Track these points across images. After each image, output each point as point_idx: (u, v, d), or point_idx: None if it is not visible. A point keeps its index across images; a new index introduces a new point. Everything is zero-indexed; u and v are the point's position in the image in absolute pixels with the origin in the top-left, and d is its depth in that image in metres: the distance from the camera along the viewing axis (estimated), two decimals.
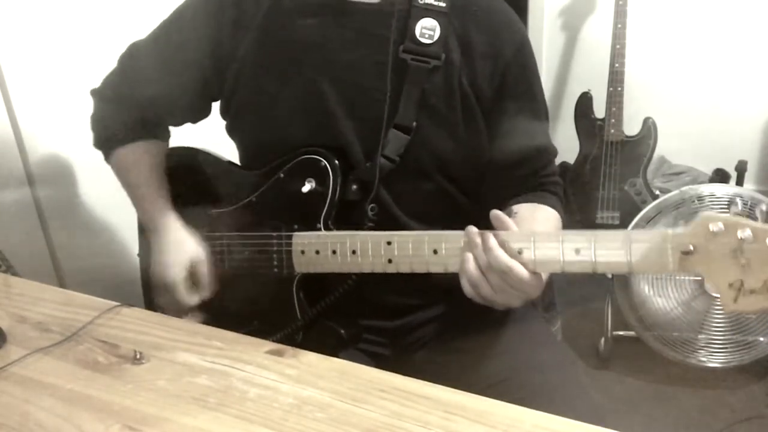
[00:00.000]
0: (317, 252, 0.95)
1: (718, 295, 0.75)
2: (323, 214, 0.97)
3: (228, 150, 1.12)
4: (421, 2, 0.95)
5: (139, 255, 1.21)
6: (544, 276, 0.86)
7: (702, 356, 1.85)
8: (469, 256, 0.85)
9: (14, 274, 1.20)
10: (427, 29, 0.95)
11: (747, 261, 0.72)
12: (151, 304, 1.16)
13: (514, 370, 0.97)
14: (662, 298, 1.82)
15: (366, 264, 0.91)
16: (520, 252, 0.82)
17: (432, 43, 0.95)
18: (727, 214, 0.74)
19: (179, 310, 1.05)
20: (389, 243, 0.89)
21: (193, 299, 1.04)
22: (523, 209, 1.00)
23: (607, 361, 2.03)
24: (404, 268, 0.89)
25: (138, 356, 0.85)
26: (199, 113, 1.13)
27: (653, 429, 1.77)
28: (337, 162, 0.97)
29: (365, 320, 1.06)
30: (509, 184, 1.04)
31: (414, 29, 0.95)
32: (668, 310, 1.83)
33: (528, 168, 1.04)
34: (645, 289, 1.84)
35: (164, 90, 1.08)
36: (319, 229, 0.97)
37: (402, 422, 0.71)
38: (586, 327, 2.15)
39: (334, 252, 0.93)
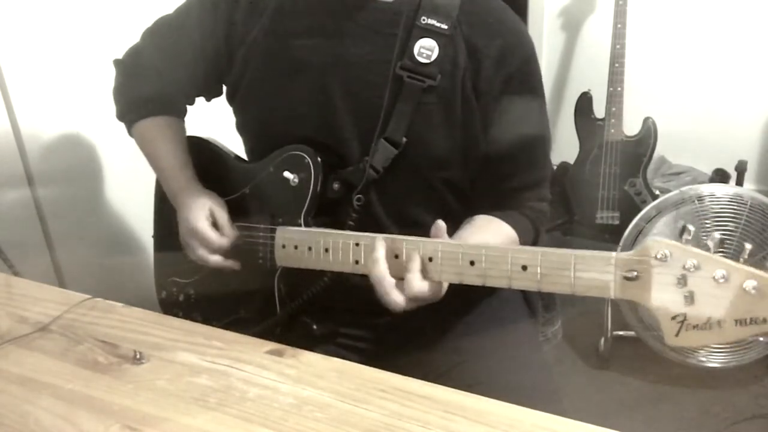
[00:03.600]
0: (296, 247, 0.97)
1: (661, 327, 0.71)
2: (304, 210, 0.99)
3: (237, 143, 1.15)
4: (423, 22, 0.96)
5: (153, 237, 1.24)
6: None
7: (702, 356, 1.85)
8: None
9: (15, 273, 1.20)
10: (426, 49, 0.96)
11: (690, 293, 0.68)
12: (159, 285, 1.19)
13: (490, 372, 0.98)
14: None
15: (336, 263, 0.92)
16: (472, 263, 0.82)
17: (429, 63, 0.96)
18: (675, 242, 0.69)
19: (208, 256, 1.04)
20: (357, 245, 0.90)
21: (219, 239, 1.03)
22: (479, 218, 1.00)
23: (607, 361, 2.03)
24: (368, 270, 0.89)
25: (138, 356, 0.85)
26: (211, 91, 1.15)
27: (653, 429, 1.77)
28: (319, 159, 0.99)
29: (348, 317, 1.08)
30: (493, 197, 1.04)
31: (413, 48, 0.96)
32: None
33: (514, 183, 1.04)
34: None
35: (180, 64, 1.10)
36: (300, 225, 0.99)
37: (402, 422, 0.71)
38: (586, 327, 2.15)
39: (309, 249, 0.95)
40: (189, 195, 1.08)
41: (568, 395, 1.85)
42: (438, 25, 0.96)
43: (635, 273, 0.71)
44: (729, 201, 1.72)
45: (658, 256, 0.69)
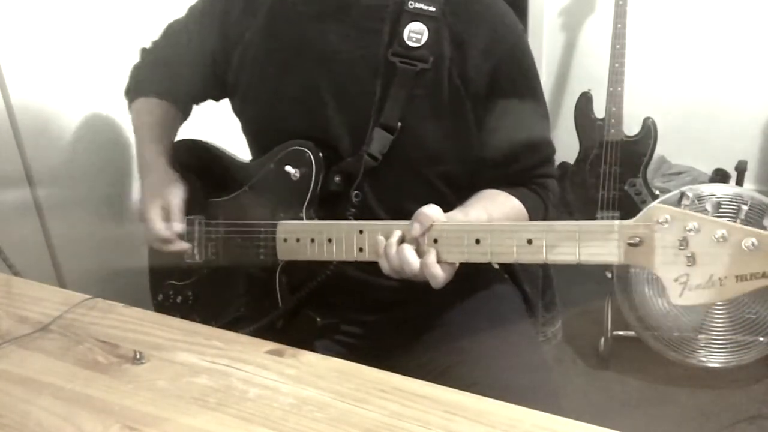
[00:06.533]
0: (298, 240, 0.98)
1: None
2: (305, 203, 1.00)
3: (238, 144, 1.16)
4: (410, 7, 0.97)
5: None
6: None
7: (702, 356, 1.85)
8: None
9: (16, 273, 1.21)
10: (415, 33, 0.97)
11: (692, 254, 0.71)
12: (155, 288, 1.20)
13: (490, 372, 0.98)
14: (662, 298, 1.82)
15: (340, 252, 0.93)
16: (478, 241, 0.83)
17: (419, 47, 0.97)
18: (675, 207, 0.73)
19: (156, 242, 1.07)
20: (361, 232, 0.91)
21: (164, 228, 1.05)
22: (486, 191, 1.03)
23: (607, 361, 2.03)
24: (373, 257, 0.91)
25: (138, 356, 0.85)
26: (217, 91, 1.17)
27: (653, 429, 1.77)
28: (321, 154, 1.00)
29: (347, 312, 1.08)
30: (499, 181, 1.05)
31: (402, 33, 0.97)
32: (668, 310, 1.83)
33: (519, 166, 1.05)
34: (645, 289, 1.84)
35: (185, 66, 1.14)
36: (301, 218, 1.00)
37: (402, 422, 0.71)
38: (586, 327, 2.15)
39: (312, 240, 0.96)
40: (151, 172, 1.11)
41: (568, 395, 1.86)
42: (426, 8, 0.97)
43: (638, 239, 0.74)
44: (729, 201, 1.72)
45: (660, 221, 0.72)
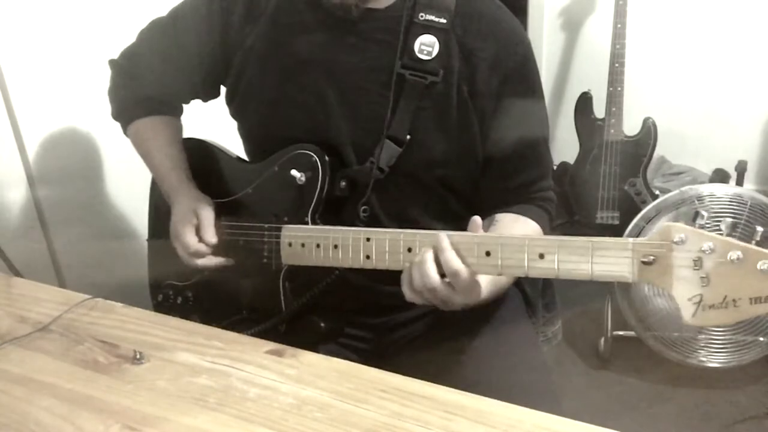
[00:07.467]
0: (303, 245, 0.97)
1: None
2: (311, 208, 0.99)
3: (236, 144, 1.15)
4: (421, 19, 0.96)
5: (148, 240, 1.23)
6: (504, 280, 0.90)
7: (702, 356, 1.85)
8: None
9: (17, 274, 1.21)
10: (426, 46, 0.96)
11: (707, 275, 0.70)
12: (155, 289, 1.19)
13: (490, 372, 0.98)
14: (662, 298, 1.82)
15: (346, 259, 0.92)
16: (488, 254, 0.82)
17: (430, 60, 0.96)
18: (690, 226, 0.72)
19: (191, 258, 1.05)
20: (368, 239, 0.90)
21: (197, 245, 1.03)
22: (504, 218, 1.02)
23: (607, 361, 2.03)
24: (380, 265, 0.90)
25: (138, 356, 0.85)
26: (208, 93, 1.16)
27: (653, 429, 1.77)
28: (327, 159, 0.99)
29: (350, 316, 1.08)
30: (501, 195, 1.05)
31: (413, 45, 0.96)
32: (668, 310, 1.83)
33: (520, 179, 1.05)
34: (645, 289, 1.84)
35: (176, 67, 1.11)
36: (307, 223, 0.99)
37: (402, 422, 0.71)
38: (586, 327, 2.15)
39: (318, 246, 0.95)
40: (179, 197, 1.08)
41: (568, 395, 1.86)
42: (437, 19, 0.96)
43: (652, 257, 0.73)
44: (729, 201, 1.72)
45: (675, 240, 0.72)
